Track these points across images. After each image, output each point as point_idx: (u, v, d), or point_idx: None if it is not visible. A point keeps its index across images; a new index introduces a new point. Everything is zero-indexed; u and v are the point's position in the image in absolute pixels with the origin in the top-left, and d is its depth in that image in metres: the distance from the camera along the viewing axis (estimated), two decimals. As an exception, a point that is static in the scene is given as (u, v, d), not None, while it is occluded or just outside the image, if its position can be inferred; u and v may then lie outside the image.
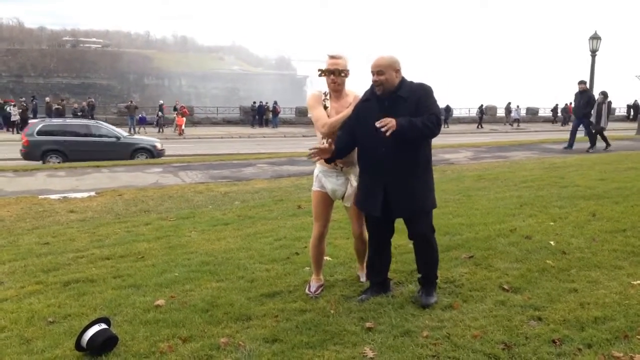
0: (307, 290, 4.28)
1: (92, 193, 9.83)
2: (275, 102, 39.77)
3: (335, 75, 3.99)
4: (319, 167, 4.19)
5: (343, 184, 4.15)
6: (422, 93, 3.86)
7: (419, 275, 4.18)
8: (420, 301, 4.01)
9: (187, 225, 6.98)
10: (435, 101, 3.90)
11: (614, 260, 4.88)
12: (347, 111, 3.99)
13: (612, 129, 37.78)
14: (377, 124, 3.64)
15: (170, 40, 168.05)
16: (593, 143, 16.19)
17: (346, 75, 4.05)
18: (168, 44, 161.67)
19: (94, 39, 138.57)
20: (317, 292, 4.24)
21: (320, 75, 4.03)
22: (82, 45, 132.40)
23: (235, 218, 7.28)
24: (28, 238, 6.53)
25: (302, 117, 40.17)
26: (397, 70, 3.87)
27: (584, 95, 16.17)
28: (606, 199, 7.57)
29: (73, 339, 3.43)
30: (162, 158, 17.57)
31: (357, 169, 4.13)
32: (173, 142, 29.28)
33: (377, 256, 4.23)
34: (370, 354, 3.24)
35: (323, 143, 3.94)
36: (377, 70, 3.83)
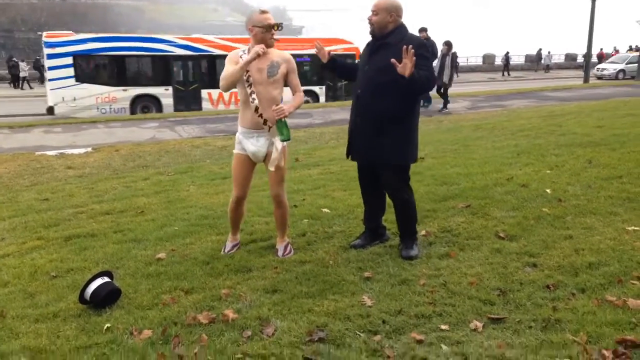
0: (222, 251, 4.24)
1: (89, 149, 9.81)
2: None
3: (275, 29, 3.87)
4: (240, 129, 4.03)
5: (263, 145, 3.98)
6: (417, 49, 3.68)
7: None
8: (400, 254, 4.05)
9: (185, 179, 7.00)
10: (430, 62, 3.90)
11: (609, 206, 4.93)
12: (240, 65, 3.80)
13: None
14: (402, 60, 3.59)
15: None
16: (444, 101, 13.96)
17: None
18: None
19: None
20: (231, 251, 4.23)
21: (263, 32, 3.83)
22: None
23: (233, 171, 7.28)
24: (27, 194, 6.55)
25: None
26: (392, 16, 3.85)
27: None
28: (603, 146, 7.58)
29: (76, 292, 3.48)
30: (158, 113, 17.36)
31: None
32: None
33: (366, 201, 4.33)
34: (369, 302, 3.31)
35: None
36: (373, 10, 3.89)
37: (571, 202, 5.09)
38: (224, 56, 4.06)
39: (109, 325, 3.14)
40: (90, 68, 17.86)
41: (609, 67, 32.88)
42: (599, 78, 31.23)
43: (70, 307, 3.41)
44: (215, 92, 18.50)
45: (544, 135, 8.95)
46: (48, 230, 5.04)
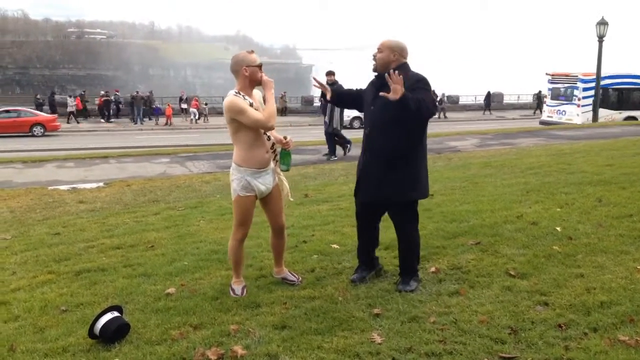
0: (232, 294, 4.10)
1: (101, 184, 9.91)
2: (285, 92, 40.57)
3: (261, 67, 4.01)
4: (245, 172, 3.97)
5: (270, 181, 4.08)
6: (415, 83, 3.88)
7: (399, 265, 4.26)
8: (397, 287, 4.08)
9: (196, 214, 7.03)
10: (429, 92, 3.93)
11: (620, 245, 4.90)
12: (269, 91, 3.96)
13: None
14: (388, 85, 3.66)
15: (174, 30, 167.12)
16: (331, 150, 12.69)
17: None
18: (172, 34, 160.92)
19: (98, 30, 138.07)
20: (243, 294, 4.10)
21: (254, 71, 3.93)
22: (86, 36, 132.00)
23: (243, 207, 7.31)
24: (39, 228, 6.61)
25: (307, 106, 40.34)
26: (395, 55, 3.97)
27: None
28: (613, 185, 7.56)
29: (86, 327, 3.48)
30: (169, 148, 17.58)
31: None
32: (179, 132, 29.39)
33: (363, 236, 4.35)
34: (378, 340, 3.29)
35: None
36: (378, 48, 4.02)
37: (582, 240, 5.07)
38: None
39: (117, 360, 3.13)
40: (605, 97, 25.17)
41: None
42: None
43: (79, 342, 3.41)
44: None
45: (554, 173, 8.95)
46: (59, 265, 5.07)
